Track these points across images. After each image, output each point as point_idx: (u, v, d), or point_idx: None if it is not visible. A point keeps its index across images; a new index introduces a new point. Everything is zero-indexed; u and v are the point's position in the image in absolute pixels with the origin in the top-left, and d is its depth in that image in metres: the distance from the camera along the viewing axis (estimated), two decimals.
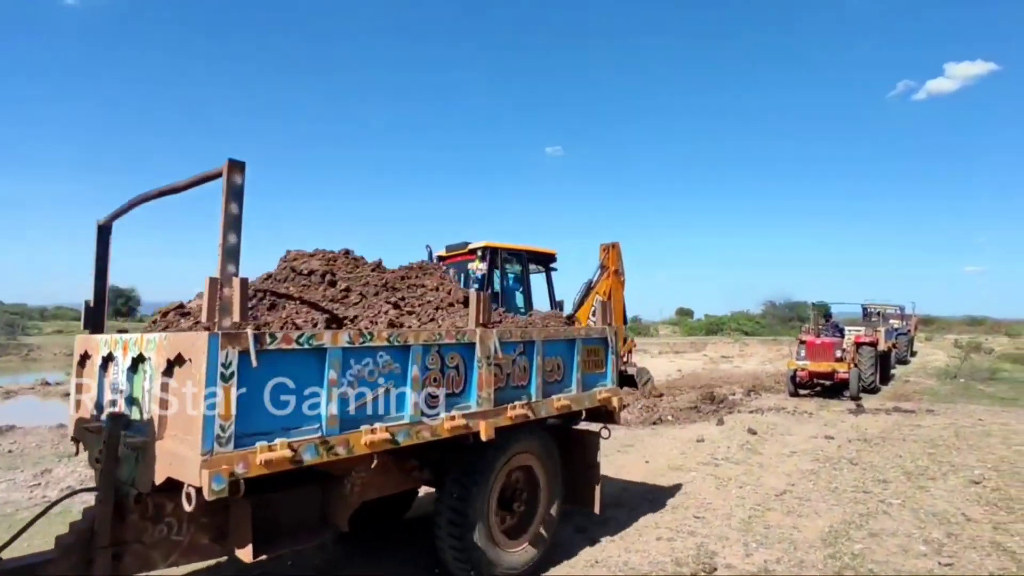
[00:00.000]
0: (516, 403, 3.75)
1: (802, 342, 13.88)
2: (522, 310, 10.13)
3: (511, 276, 10.10)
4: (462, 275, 10.23)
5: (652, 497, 5.76)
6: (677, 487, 6.08)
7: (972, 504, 5.33)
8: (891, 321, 21.95)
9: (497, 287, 9.72)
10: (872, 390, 13.69)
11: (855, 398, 12.41)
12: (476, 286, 9.45)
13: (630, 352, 12.84)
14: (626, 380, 12.55)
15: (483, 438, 3.44)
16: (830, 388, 13.54)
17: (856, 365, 13.43)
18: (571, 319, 10.76)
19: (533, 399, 3.89)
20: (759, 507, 5.35)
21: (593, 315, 11.30)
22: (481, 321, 3.59)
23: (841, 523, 4.89)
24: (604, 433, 4.68)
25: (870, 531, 4.69)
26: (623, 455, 7.65)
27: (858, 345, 14.26)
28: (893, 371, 18.11)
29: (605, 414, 4.68)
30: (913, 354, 24.44)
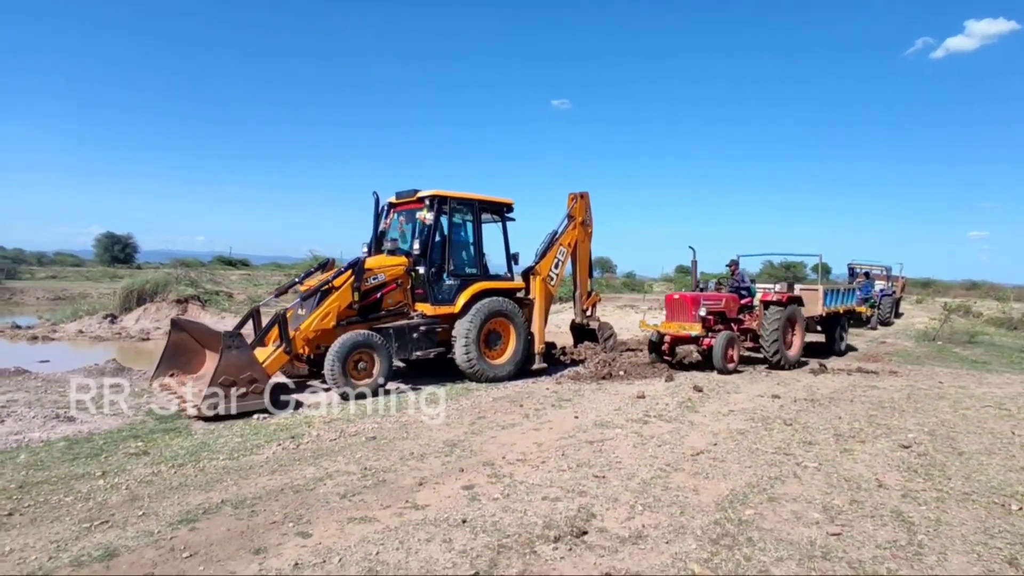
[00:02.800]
0: None
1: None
2: (472, 261, 9.72)
3: (461, 226, 9.65)
4: (412, 224, 9.79)
5: (563, 454, 5.49)
6: (593, 444, 5.81)
7: (892, 470, 5.04)
8: (877, 282, 21.49)
9: (445, 237, 9.30)
10: (778, 365, 10.64)
11: (722, 371, 9.78)
12: (423, 236, 9.04)
13: (594, 306, 12.49)
14: (587, 334, 12.26)
15: None
16: (703, 359, 10.30)
17: (760, 329, 10.81)
18: (531, 270, 10.47)
19: None
20: (667, 468, 5.08)
21: (555, 267, 10.93)
22: None
23: (745, 486, 4.61)
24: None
25: (770, 496, 4.41)
26: (556, 410, 7.39)
27: (765, 304, 11.16)
28: (860, 331, 17.71)
29: None
30: (899, 316, 24.08)
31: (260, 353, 7.14)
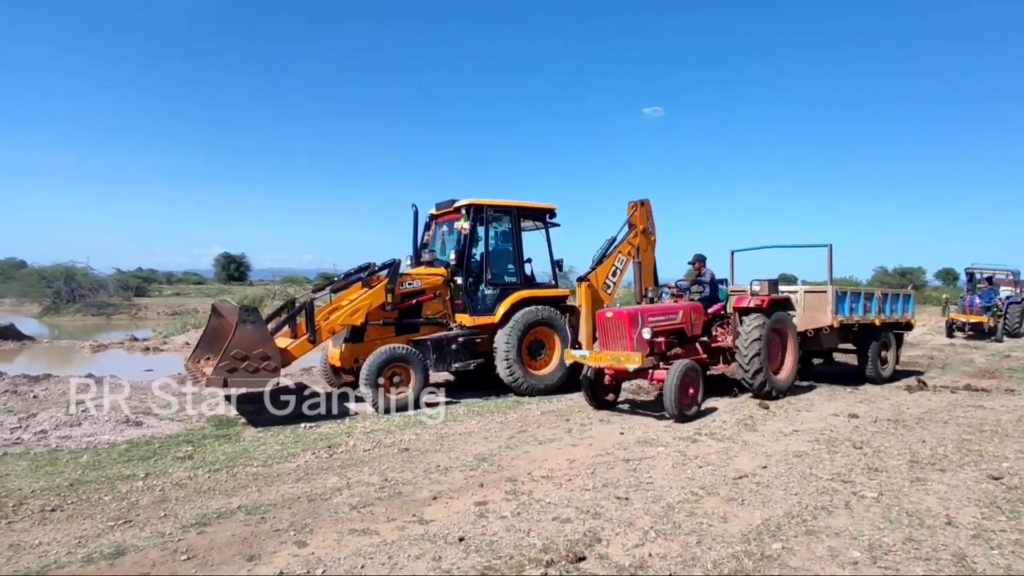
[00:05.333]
0: None
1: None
2: (512, 269, 9.54)
3: (499, 235, 9.56)
4: (453, 235, 9.78)
5: (593, 472, 5.21)
6: (629, 462, 5.47)
7: (969, 504, 4.32)
8: (1002, 288, 19.02)
9: (483, 246, 9.22)
10: (767, 393, 8.19)
11: (678, 418, 6.98)
12: (459, 246, 9.07)
13: None
14: None
15: None
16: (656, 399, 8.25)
17: (735, 348, 8.34)
18: (583, 278, 10.14)
19: None
20: (701, 491, 4.66)
21: (613, 275, 10.55)
22: None
23: (783, 516, 4.12)
24: None
25: (809, 528, 3.90)
26: (603, 424, 7.08)
27: (740, 313, 8.55)
28: (981, 343, 15.59)
29: None
30: None
31: (286, 339, 7.39)
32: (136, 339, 18.94)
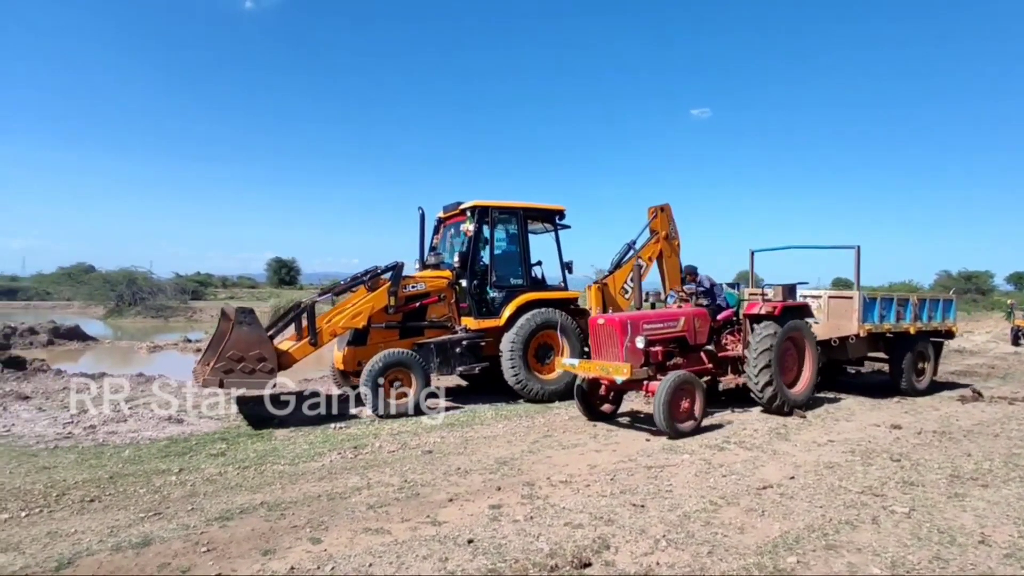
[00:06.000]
0: None
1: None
2: (519, 271, 9.49)
3: (505, 236, 9.54)
4: (459, 237, 9.75)
5: (612, 478, 5.16)
6: (651, 469, 5.39)
7: (1007, 522, 4.06)
8: None
9: (487, 248, 9.16)
10: (777, 409, 7.59)
11: (672, 435, 6.45)
12: (463, 248, 9.08)
13: None
14: None
15: None
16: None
17: (744, 357, 7.79)
18: (599, 281, 9.96)
19: None
20: (721, 501, 4.55)
21: (630, 280, 10.35)
22: None
23: (804, 529, 3.98)
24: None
25: (830, 543, 3.75)
26: (629, 431, 6.99)
27: (751, 320, 7.97)
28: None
29: None
30: None
31: (290, 342, 7.54)
32: (189, 340, 19.82)
